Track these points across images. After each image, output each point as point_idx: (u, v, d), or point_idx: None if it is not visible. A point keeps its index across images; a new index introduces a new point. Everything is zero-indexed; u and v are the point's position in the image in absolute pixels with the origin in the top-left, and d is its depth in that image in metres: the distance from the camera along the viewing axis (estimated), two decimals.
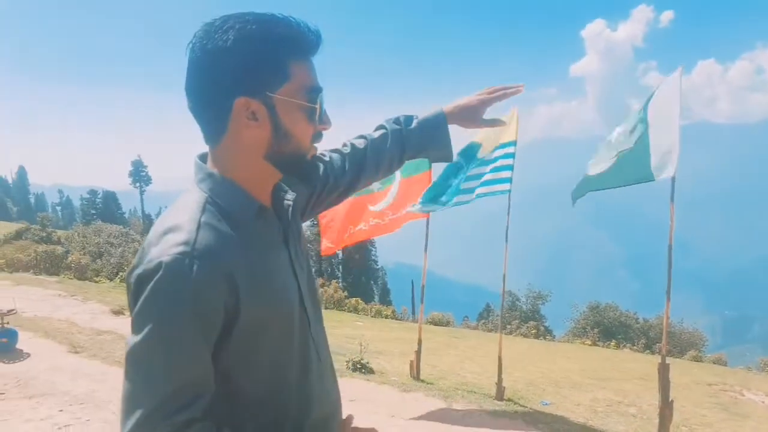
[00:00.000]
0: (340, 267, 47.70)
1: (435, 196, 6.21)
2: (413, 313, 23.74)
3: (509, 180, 6.04)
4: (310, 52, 1.06)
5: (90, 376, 5.72)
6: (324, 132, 1.11)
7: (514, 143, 6.07)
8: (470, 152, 6.30)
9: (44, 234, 29.73)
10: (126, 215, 65.30)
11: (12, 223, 45.76)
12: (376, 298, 43.25)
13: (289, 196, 1.21)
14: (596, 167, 5.47)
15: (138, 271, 0.96)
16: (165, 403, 0.93)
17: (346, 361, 6.91)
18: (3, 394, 5.05)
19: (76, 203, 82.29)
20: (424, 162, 6.57)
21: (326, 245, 7.06)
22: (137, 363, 0.95)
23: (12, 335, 6.61)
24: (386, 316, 17.90)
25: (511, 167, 6.04)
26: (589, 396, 7.01)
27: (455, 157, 6.26)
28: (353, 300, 18.92)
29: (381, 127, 1.48)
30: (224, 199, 1.05)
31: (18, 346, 6.64)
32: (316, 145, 1.11)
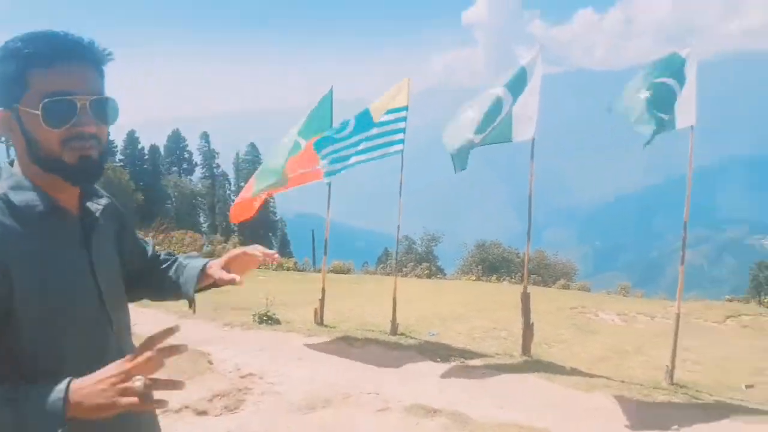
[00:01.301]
0: None
1: (332, 161, 6.77)
2: (314, 263, 24.38)
3: (402, 141, 6.77)
4: (55, 59, 1.11)
5: None
6: (85, 132, 1.14)
7: (406, 108, 6.78)
8: (365, 119, 6.90)
9: None
10: None
11: None
12: (276, 250, 43.16)
13: (103, 201, 1.31)
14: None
15: None
16: None
17: (253, 315, 7.38)
18: None
19: None
20: (326, 124, 7.11)
21: (233, 213, 7.45)
22: None
23: None
24: (288, 269, 18.35)
25: (403, 130, 6.76)
26: (469, 325, 8.11)
27: (351, 123, 6.85)
28: None
29: (179, 262, 1.55)
30: (18, 196, 1.13)
31: None
32: (76, 145, 1.14)
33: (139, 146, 48.01)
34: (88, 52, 1.15)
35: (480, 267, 21.90)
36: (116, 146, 46.27)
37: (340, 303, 9.21)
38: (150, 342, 1.02)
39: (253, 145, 49.36)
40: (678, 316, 5.67)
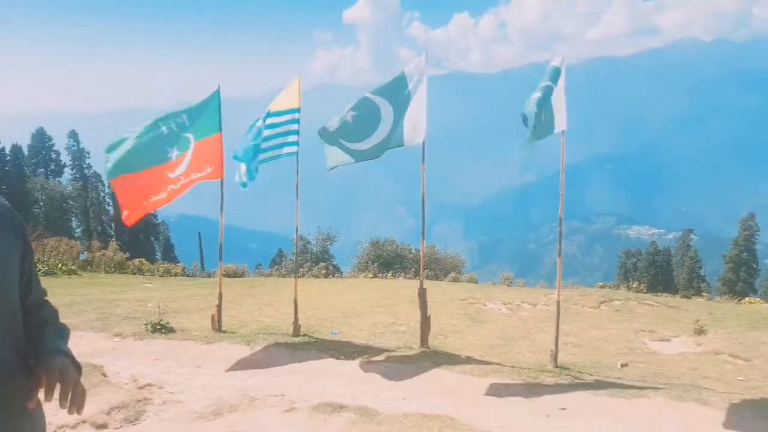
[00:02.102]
0: (113, 225, 43.67)
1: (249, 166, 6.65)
2: (203, 268, 23.40)
3: (296, 143, 6.77)
4: None
5: None
6: None
7: (298, 110, 6.77)
8: (265, 117, 6.83)
9: None
10: None
11: None
12: (159, 255, 40.91)
13: None
14: (359, 146, 6.35)
15: None
16: None
17: (145, 324, 6.99)
18: None
19: None
20: (214, 125, 6.88)
21: (125, 215, 6.96)
22: None
23: None
24: (176, 274, 17.50)
25: (296, 132, 6.75)
26: (369, 321, 8.30)
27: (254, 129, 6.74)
28: (137, 261, 17.97)
29: (49, 331, 1.50)
30: None
31: None
32: None
33: None
34: None
35: (375, 264, 22.28)
36: None
37: (237, 308, 9.00)
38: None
39: None
40: (558, 303, 6.23)
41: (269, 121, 6.75)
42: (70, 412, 1.30)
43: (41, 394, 1.30)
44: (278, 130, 6.76)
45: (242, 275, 17.82)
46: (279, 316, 8.38)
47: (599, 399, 5.00)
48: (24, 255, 1.43)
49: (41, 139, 46.69)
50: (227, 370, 5.57)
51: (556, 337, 6.11)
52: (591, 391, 5.22)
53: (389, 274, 19.39)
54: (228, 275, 16.38)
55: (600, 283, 18.56)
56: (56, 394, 1.28)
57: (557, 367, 6.01)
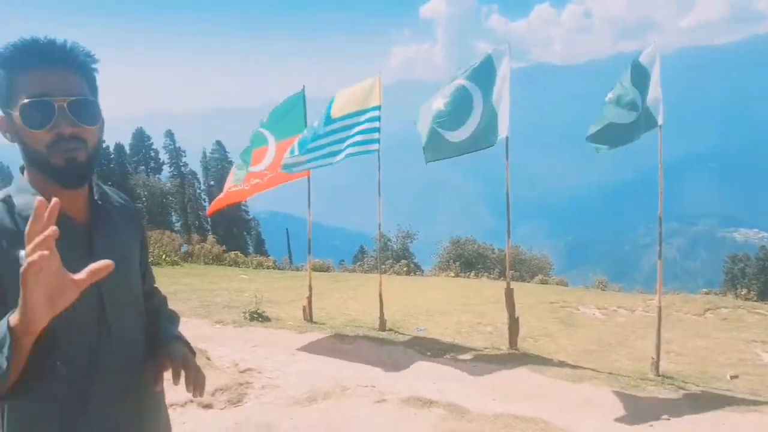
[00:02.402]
0: (209, 220, 46.27)
1: (299, 158, 6.81)
2: (291, 261, 24.30)
3: (377, 141, 6.80)
4: (34, 64, 1.17)
5: None
6: (65, 133, 1.17)
7: (379, 107, 6.79)
8: (326, 111, 6.94)
9: None
10: None
11: None
12: (251, 249, 42.89)
13: (118, 204, 1.40)
14: (455, 135, 6.28)
15: None
16: None
17: (243, 313, 7.40)
18: None
19: None
20: (299, 125, 7.11)
21: (213, 206, 7.48)
22: None
23: None
24: (268, 267, 18.33)
25: (378, 129, 6.78)
26: (454, 320, 8.23)
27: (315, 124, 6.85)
28: (232, 254, 19.02)
29: (162, 318, 1.57)
30: (20, 199, 1.21)
31: None
32: (62, 147, 1.17)
33: (104, 145, 47.01)
34: (67, 55, 1.20)
35: (457, 263, 22.07)
36: None
37: (325, 300, 9.24)
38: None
39: (219, 143, 48.69)
40: (660, 309, 5.86)
41: (339, 124, 6.83)
42: (194, 395, 1.39)
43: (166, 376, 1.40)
44: (343, 133, 6.80)
45: (327, 270, 18.32)
46: (364, 310, 8.52)
47: (707, 411, 4.66)
48: (142, 246, 1.50)
49: (141, 138, 50.30)
50: (320, 360, 5.75)
51: (658, 345, 5.76)
52: (697, 403, 4.88)
53: (471, 274, 19.15)
54: (314, 269, 16.86)
55: (704, 290, 17.28)
56: (181, 379, 1.37)
57: (659, 375, 5.66)
